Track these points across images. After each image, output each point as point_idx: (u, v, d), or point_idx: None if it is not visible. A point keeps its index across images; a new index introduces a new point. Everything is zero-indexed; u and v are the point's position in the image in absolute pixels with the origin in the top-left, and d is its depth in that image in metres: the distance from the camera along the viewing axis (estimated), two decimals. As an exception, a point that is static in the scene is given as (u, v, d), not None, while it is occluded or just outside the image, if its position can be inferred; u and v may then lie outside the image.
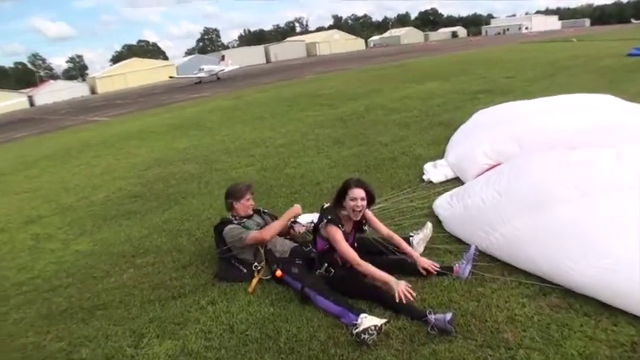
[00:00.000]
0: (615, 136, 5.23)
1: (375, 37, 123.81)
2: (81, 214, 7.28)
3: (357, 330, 3.19)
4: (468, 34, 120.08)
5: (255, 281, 4.14)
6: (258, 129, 12.85)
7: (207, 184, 7.84)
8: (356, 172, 7.31)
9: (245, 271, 4.35)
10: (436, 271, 3.88)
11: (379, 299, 3.58)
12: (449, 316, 3.19)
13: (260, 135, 11.80)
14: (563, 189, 3.93)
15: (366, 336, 3.14)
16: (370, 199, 3.97)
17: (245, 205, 4.62)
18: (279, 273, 4.12)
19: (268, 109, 16.70)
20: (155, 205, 7.14)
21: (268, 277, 4.21)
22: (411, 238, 4.28)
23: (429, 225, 4.45)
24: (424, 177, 6.45)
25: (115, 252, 5.56)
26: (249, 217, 4.64)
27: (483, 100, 12.03)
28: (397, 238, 4.12)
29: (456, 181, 6.11)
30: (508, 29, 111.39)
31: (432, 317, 3.24)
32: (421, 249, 4.29)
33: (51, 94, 70.06)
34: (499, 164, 5.67)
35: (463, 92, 13.83)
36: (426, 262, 3.91)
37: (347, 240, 3.89)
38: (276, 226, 4.45)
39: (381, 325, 3.20)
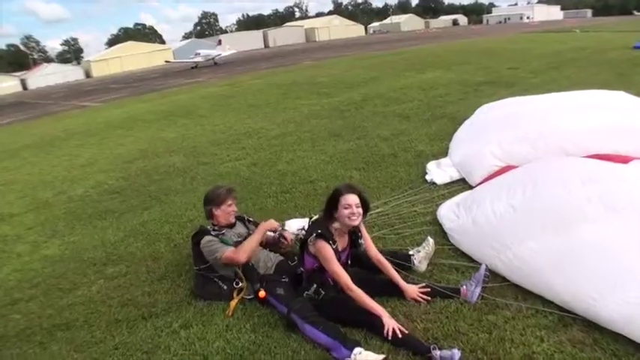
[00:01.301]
0: (634, 140, 4.77)
1: (375, 24, 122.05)
2: (56, 212, 6.74)
3: None
4: (469, 22, 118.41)
5: (234, 303, 3.63)
6: (251, 118, 12.28)
7: (193, 180, 7.31)
8: (353, 169, 6.81)
9: (225, 287, 3.84)
10: (442, 292, 3.40)
11: (376, 329, 3.08)
12: (457, 354, 2.74)
13: (253, 125, 11.23)
14: (587, 207, 3.45)
15: None
16: (364, 208, 3.44)
17: (226, 211, 4.08)
18: (262, 294, 3.62)
19: (263, 96, 16.10)
20: (135, 203, 6.61)
21: (250, 297, 3.72)
22: (412, 257, 3.79)
23: (431, 241, 3.91)
24: (427, 177, 5.94)
25: (86, 258, 5.04)
26: (231, 225, 4.11)
27: (487, 91, 11.49)
28: (385, 264, 3.59)
29: (462, 183, 5.60)
30: (509, 18, 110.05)
31: (436, 354, 2.80)
32: (423, 267, 3.80)
33: (44, 77, 68.93)
34: (508, 166, 5.18)
35: (466, 83, 13.26)
36: (414, 292, 3.43)
37: (340, 258, 3.38)
38: (251, 244, 3.86)
39: None
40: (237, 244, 3.91)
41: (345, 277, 3.27)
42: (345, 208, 3.31)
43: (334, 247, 3.32)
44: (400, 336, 2.97)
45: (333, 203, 3.37)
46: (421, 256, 3.79)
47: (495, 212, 3.91)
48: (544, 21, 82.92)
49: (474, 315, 3.19)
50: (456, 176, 5.73)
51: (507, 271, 3.48)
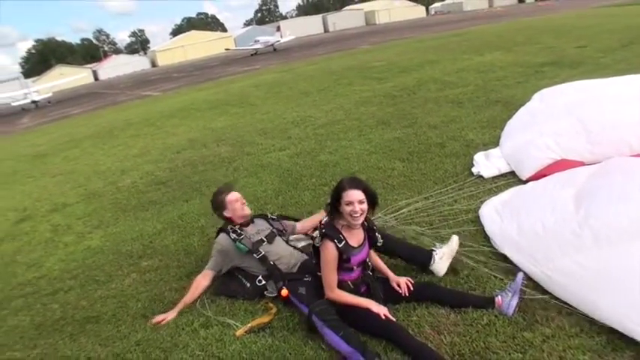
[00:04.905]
0: None
1: (437, 4, 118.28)
2: (104, 203, 6.96)
3: None
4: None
5: (247, 327, 3.34)
6: (301, 106, 12.14)
7: (235, 171, 7.29)
8: (396, 160, 6.50)
9: (248, 285, 3.75)
10: (474, 301, 3.11)
11: (396, 341, 2.85)
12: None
13: (301, 113, 11.10)
14: None
15: None
16: (371, 202, 3.13)
17: (235, 209, 3.94)
18: (284, 292, 3.49)
19: (315, 83, 15.92)
20: (177, 194, 6.69)
21: (274, 296, 3.60)
22: (433, 253, 3.53)
23: (455, 239, 3.61)
24: (473, 170, 5.54)
25: (124, 251, 5.14)
26: (249, 223, 3.99)
27: (549, 73, 10.69)
28: (380, 265, 3.47)
29: (511, 177, 5.17)
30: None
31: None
32: (444, 267, 3.52)
33: (114, 68, 72.42)
34: (563, 160, 4.73)
35: (527, 64, 12.42)
36: (401, 280, 3.28)
37: (355, 257, 3.16)
38: (188, 298, 3.76)
39: None
40: (256, 243, 3.80)
41: (331, 279, 3.09)
42: (347, 205, 3.03)
43: (341, 245, 3.06)
44: (390, 320, 2.88)
45: (336, 198, 3.10)
46: (443, 252, 3.52)
47: (545, 226, 3.50)
48: (621, -7, 76.96)
49: (508, 330, 2.86)
50: (504, 169, 5.30)
51: (550, 284, 3.11)
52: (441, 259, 3.51)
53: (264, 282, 3.69)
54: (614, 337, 2.66)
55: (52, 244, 5.88)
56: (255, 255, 3.75)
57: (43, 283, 4.82)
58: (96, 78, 71.74)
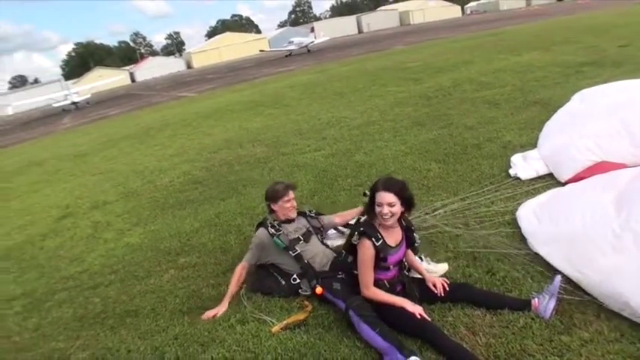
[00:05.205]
0: None
1: (472, 4, 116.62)
2: (142, 201, 7.16)
3: None
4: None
5: (283, 324, 3.37)
6: (335, 107, 12.17)
7: (271, 171, 7.36)
8: (432, 161, 6.45)
9: (283, 283, 3.80)
10: (511, 303, 3.07)
11: (431, 340, 2.84)
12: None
13: (336, 114, 11.13)
14: None
15: None
16: (406, 204, 3.12)
17: (284, 207, 4.01)
18: (319, 290, 3.52)
19: (350, 83, 15.92)
20: (214, 193, 6.81)
21: (308, 294, 3.64)
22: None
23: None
24: (511, 171, 5.45)
25: (162, 248, 5.28)
26: (291, 221, 4.04)
27: (589, 73, 10.38)
28: (416, 265, 3.49)
29: (549, 179, 5.06)
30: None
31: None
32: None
33: (150, 70, 74.13)
34: (604, 162, 4.60)
35: (566, 64, 12.10)
36: (437, 280, 3.28)
37: (392, 256, 3.17)
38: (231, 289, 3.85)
39: None
40: (293, 241, 3.84)
41: (368, 277, 3.11)
42: (378, 206, 3.06)
43: (379, 243, 3.08)
44: (426, 320, 2.88)
45: (371, 198, 3.13)
46: (429, 267, 3.56)
47: (585, 227, 3.43)
48: (667, -9, 74.05)
49: (545, 333, 2.80)
50: (542, 171, 5.19)
51: (588, 285, 3.04)
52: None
53: (298, 280, 3.73)
54: (658, 343, 2.58)
55: (92, 240, 6.08)
56: (291, 252, 3.80)
57: (84, 278, 5.00)
58: (133, 80, 73.61)
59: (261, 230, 3.96)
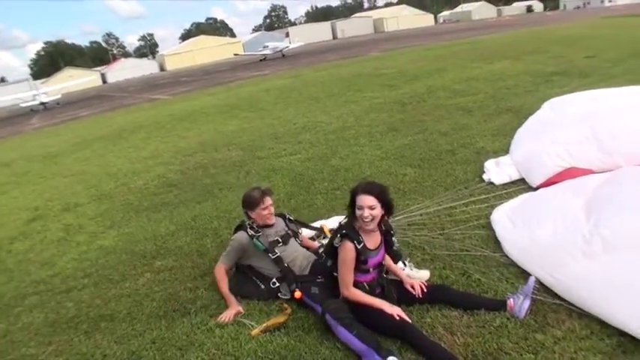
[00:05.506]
0: None
1: (445, 13, 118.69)
2: (115, 204, 7.03)
3: None
4: (545, 9, 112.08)
5: (262, 327, 3.35)
6: (311, 111, 12.22)
7: (247, 175, 7.34)
8: (407, 166, 6.55)
9: (262, 287, 3.78)
10: (487, 304, 3.15)
11: (410, 341, 2.88)
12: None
13: (312, 118, 11.18)
14: None
15: None
16: (386, 208, 3.16)
17: (262, 214, 3.93)
18: (298, 294, 3.53)
19: (325, 89, 16.01)
20: (190, 196, 6.75)
21: (287, 298, 3.64)
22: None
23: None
24: (484, 176, 5.58)
25: (137, 251, 5.19)
26: (269, 225, 4.02)
27: (558, 82, 10.72)
28: (394, 268, 3.51)
29: (521, 183, 5.21)
30: (589, 2, 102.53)
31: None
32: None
33: (122, 71, 72.93)
34: (573, 168, 4.76)
35: (536, 74, 12.47)
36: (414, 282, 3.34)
37: (372, 259, 3.20)
38: (223, 290, 3.81)
39: None
40: (273, 243, 3.84)
41: (348, 278, 3.15)
42: (358, 209, 3.09)
43: (360, 246, 3.11)
44: (405, 321, 2.92)
45: (352, 201, 3.16)
46: (409, 272, 3.61)
47: (556, 233, 3.56)
48: (629, 4, 76.44)
49: (520, 332, 2.90)
50: (515, 176, 5.34)
51: (560, 288, 3.15)
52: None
53: (278, 284, 3.72)
54: (625, 339, 2.71)
55: (64, 243, 5.93)
56: (270, 255, 3.79)
57: (56, 282, 4.87)
58: (104, 81, 72.28)
59: (241, 233, 3.93)
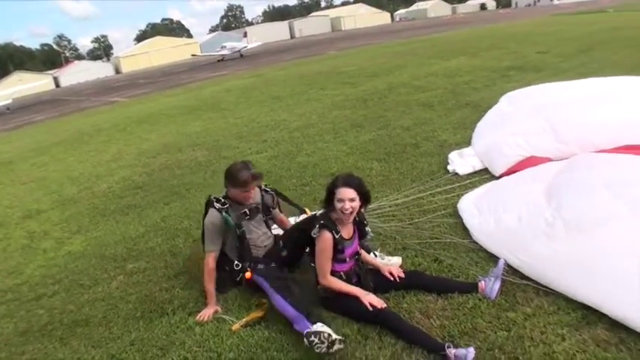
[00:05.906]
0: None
1: (401, 11, 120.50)
2: (80, 208, 6.88)
3: (307, 330, 2.85)
4: (498, 7, 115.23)
5: (242, 322, 3.38)
6: (274, 110, 12.25)
7: (214, 175, 7.32)
8: (374, 160, 6.69)
9: (227, 269, 3.74)
10: (460, 287, 3.33)
11: (389, 326, 3.00)
12: (471, 353, 2.65)
13: (275, 117, 11.22)
14: (615, 207, 3.36)
15: (315, 340, 2.74)
16: (364, 199, 3.27)
17: (242, 195, 3.72)
18: (248, 274, 3.59)
19: (287, 87, 16.05)
20: (157, 198, 6.69)
21: (238, 279, 3.69)
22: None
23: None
24: (449, 167, 5.79)
25: (107, 254, 5.12)
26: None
27: (514, 77, 11.14)
28: (369, 258, 3.65)
29: (484, 173, 5.44)
30: (539, 0, 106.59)
31: (451, 352, 2.69)
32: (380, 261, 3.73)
33: (76, 74, 70.61)
34: (532, 157, 5.01)
35: (492, 69, 12.90)
36: (392, 268, 3.48)
37: (348, 249, 3.30)
38: (208, 288, 3.68)
39: (335, 339, 2.75)
40: (240, 217, 3.72)
41: (325, 267, 3.24)
42: (339, 202, 3.17)
43: (337, 236, 3.21)
44: (380, 308, 3.03)
45: (330, 193, 3.23)
46: (383, 261, 3.72)
47: (521, 218, 3.79)
48: (577, 1, 79.57)
49: (493, 312, 3.07)
50: (478, 166, 5.56)
51: (527, 269, 3.34)
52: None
53: (240, 265, 3.68)
54: (588, 312, 2.92)
55: (29, 250, 5.78)
56: (237, 230, 3.68)
57: (24, 290, 4.73)
58: (57, 84, 69.83)
59: (212, 211, 3.70)
